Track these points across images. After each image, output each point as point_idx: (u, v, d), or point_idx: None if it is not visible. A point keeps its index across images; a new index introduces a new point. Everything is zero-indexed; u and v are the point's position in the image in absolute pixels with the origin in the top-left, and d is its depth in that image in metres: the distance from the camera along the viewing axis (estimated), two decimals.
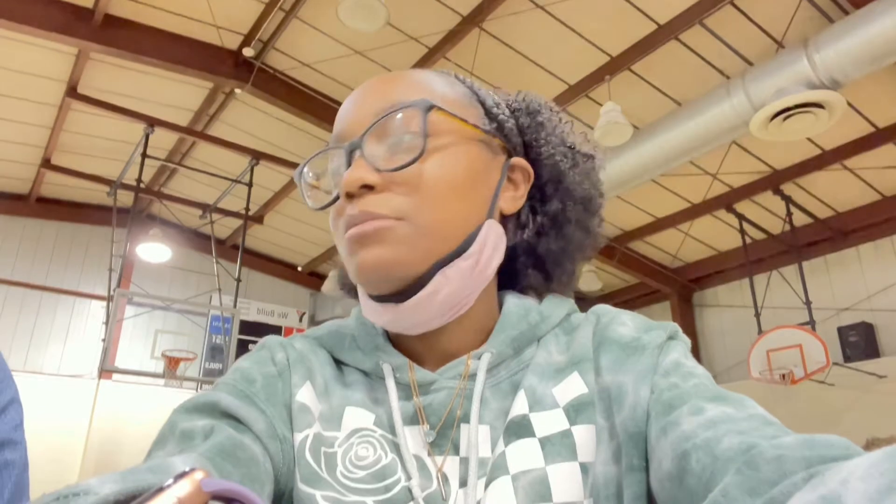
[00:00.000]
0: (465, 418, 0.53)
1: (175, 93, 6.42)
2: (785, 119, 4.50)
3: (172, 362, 7.52)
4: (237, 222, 8.31)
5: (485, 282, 0.57)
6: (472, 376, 0.55)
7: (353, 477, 0.51)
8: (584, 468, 0.49)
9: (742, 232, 7.01)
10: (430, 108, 0.54)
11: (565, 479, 0.49)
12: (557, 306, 0.62)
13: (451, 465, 0.52)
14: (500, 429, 0.53)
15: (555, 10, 4.95)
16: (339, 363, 0.61)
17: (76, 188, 8.15)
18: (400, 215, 0.53)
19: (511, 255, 0.62)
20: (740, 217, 6.94)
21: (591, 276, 7.93)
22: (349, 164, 0.55)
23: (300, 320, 9.93)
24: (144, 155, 6.45)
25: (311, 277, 9.92)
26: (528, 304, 0.61)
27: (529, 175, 0.61)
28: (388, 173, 0.53)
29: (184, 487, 0.27)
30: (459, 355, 0.57)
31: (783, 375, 5.99)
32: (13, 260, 8.17)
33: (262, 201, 8.08)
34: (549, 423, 0.52)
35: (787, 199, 6.53)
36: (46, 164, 7.37)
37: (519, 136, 0.63)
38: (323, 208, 0.59)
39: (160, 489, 0.27)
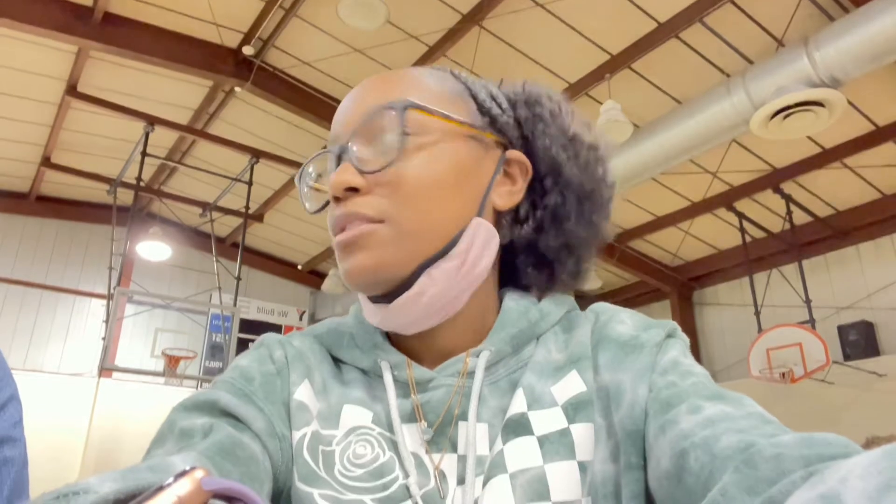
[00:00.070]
0: (464, 416, 0.53)
1: (175, 91, 6.42)
2: (785, 117, 4.49)
3: (172, 361, 7.53)
4: (237, 221, 8.31)
5: (474, 281, 0.56)
6: (471, 374, 0.55)
7: (350, 475, 0.51)
8: (583, 467, 0.49)
9: (742, 230, 7.01)
10: (408, 107, 0.54)
11: (563, 478, 0.49)
12: (557, 304, 0.61)
13: (448, 462, 0.52)
14: (498, 427, 0.53)
15: (555, 8, 4.94)
16: (337, 361, 0.61)
17: (76, 186, 8.15)
18: (382, 217, 0.53)
19: (511, 251, 0.62)
20: (740, 215, 6.94)
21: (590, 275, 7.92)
22: (338, 167, 0.55)
23: (300, 319, 9.93)
24: (144, 153, 6.45)
25: (311, 276, 9.92)
26: (527, 302, 0.61)
27: (527, 169, 0.60)
28: (372, 175, 0.54)
29: (184, 486, 0.27)
30: (456, 353, 0.57)
31: (783, 374, 5.99)
32: (13, 258, 8.17)
33: (262, 200, 8.09)
34: (547, 421, 0.52)
35: (788, 198, 6.53)
36: (46, 162, 7.37)
37: (517, 129, 0.61)
38: (318, 211, 0.59)
39: (160, 488, 0.27)
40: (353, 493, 0.49)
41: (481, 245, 0.56)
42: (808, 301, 6.37)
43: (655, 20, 4.98)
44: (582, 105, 5.74)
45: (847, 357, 6.58)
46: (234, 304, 6.88)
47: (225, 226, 8.92)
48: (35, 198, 8.26)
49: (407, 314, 0.55)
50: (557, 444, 0.50)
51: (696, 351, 8.24)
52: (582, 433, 0.51)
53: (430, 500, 0.50)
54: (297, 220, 8.61)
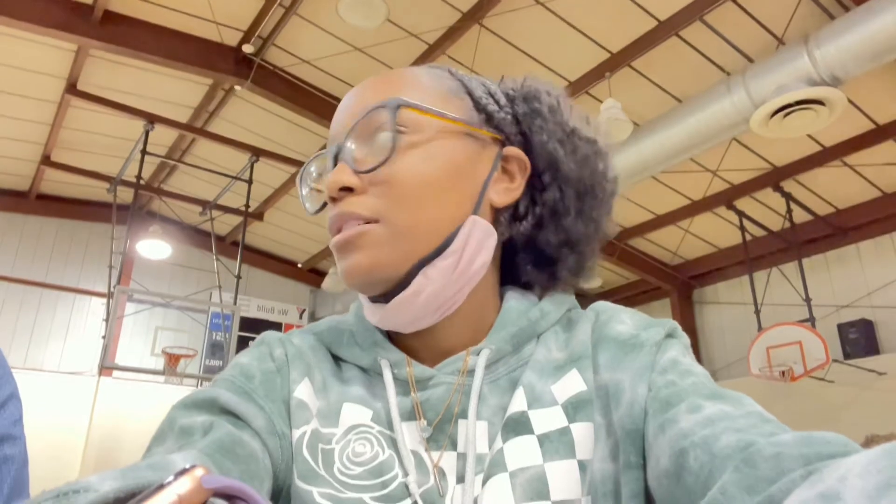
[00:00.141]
0: (463, 414, 0.53)
1: (175, 89, 6.42)
2: (785, 116, 4.49)
3: (173, 359, 7.54)
4: (237, 219, 8.31)
5: (472, 279, 0.56)
6: (471, 372, 0.55)
7: (350, 473, 0.51)
8: (583, 466, 0.49)
9: (742, 229, 7.01)
10: (400, 105, 0.54)
11: (563, 477, 0.49)
12: (558, 303, 0.61)
13: (448, 460, 0.52)
14: (497, 425, 0.53)
15: (555, 6, 4.94)
16: (337, 359, 0.61)
17: (76, 185, 8.14)
18: (376, 216, 0.53)
19: (513, 249, 0.62)
20: (740, 214, 6.94)
21: None
22: (335, 167, 0.56)
23: (300, 317, 9.93)
24: (144, 151, 6.45)
25: (312, 274, 9.92)
26: (528, 300, 0.61)
27: (526, 165, 0.59)
28: (366, 175, 0.54)
29: (184, 484, 0.27)
30: (456, 351, 0.57)
31: (783, 372, 5.99)
32: (13, 257, 8.18)
33: (262, 198, 8.08)
34: (547, 420, 0.52)
35: (788, 196, 6.53)
36: (46, 160, 7.37)
37: (515, 126, 0.60)
38: (317, 212, 0.60)
39: (161, 486, 0.27)
40: (353, 492, 0.49)
41: (477, 243, 0.55)
42: (808, 299, 6.37)
43: (656, 18, 4.97)
44: (582, 103, 5.73)
45: (847, 355, 6.59)
46: (235, 303, 6.88)
47: (225, 224, 8.92)
48: (35, 196, 8.26)
49: (405, 313, 0.55)
50: (557, 443, 0.50)
51: (695, 349, 8.20)
52: (582, 432, 0.51)
53: (430, 498, 0.50)
54: (297, 218, 8.61)
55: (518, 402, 0.53)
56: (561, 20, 5.08)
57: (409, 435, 0.53)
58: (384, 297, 0.55)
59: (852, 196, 6.77)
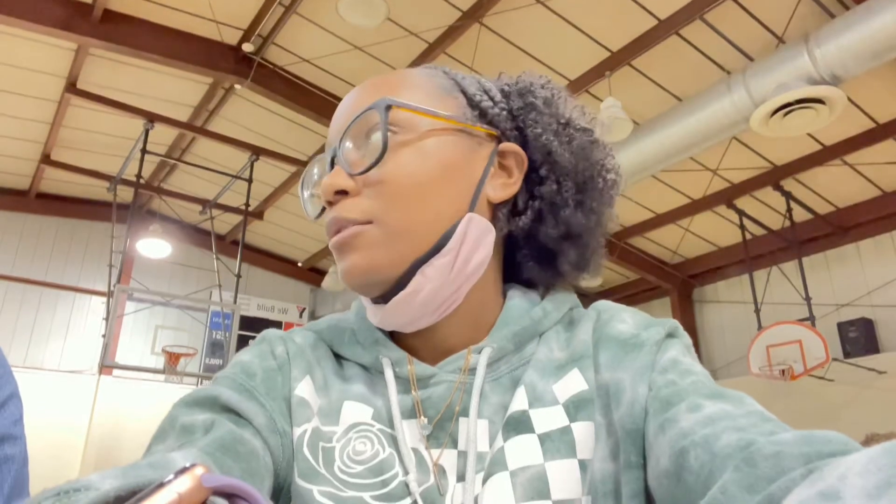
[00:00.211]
0: (464, 412, 0.53)
1: (175, 88, 6.41)
2: (785, 115, 4.49)
3: (173, 358, 7.55)
4: (237, 218, 8.31)
5: (471, 276, 0.56)
6: (472, 370, 0.55)
7: (350, 472, 0.51)
8: (583, 465, 0.49)
9: (742, 228, 7.01)
10: (389, 106, 0.54)
11: (564, 476, 0.49)
12: (560, 302, 0.61)
13: (448, 458, 0.52)
14: (498, 424, 0.52)
15: (555, 5, 4.94)
16: (338, 357, 0.61)
17: (76, 184, 8.14)
18: (370, 218, 0.53)
19: (512, 245, 0.62)
20: (740, 213, 6.94)
21: None
22: (331, 171, 0.56)
23: (300, 316, 9.94)
24: (144, 150, 6.45)
25: (312, 273, 9.93)
26: (531, 298, 0.61)
27: (522, 159, 0.59)
28: (360, 177, 0.54)
29: (184, 483, 0.27)
30: (457, 350, 0.57)
31: (783, 371, 5.99)
32: (13, 256, 8.18)
33: (261, 197, 8.08)
34: (548, 419, 0.52)
35: (788, 195, 6.53)
36: (46, 159, 7.37)
37: (511, 121, 0.60)
38: (318, 217, 0.60)
39: (161, 485, 0.27)
40: (353, 490, 0.49)
41: (474, 239, 0.55)
42: (808, 298, 6.37)
43: (656, 17, 4.97)
44: (582, 102, 5.71)
45: (847, 354, 6.59)
46: (235, 302, 6.88)
47: (225, 223, 8.92)
48: (35, 195, 8.25)
49: (404, 313, 0.55)
50: (558, 443, 0.50)
51: (695, 348, 8.18)
52: (583, 431, 0.51)
53: (430, 496, 0.50)
54: (297, 217, 8.61)
55: (519, 401, 0.53)
56: (561, 19, 5.08)
57: (410, 433, 0.53)
58: (384, 298, 0.55)
59: (852, 195, 6.77)
